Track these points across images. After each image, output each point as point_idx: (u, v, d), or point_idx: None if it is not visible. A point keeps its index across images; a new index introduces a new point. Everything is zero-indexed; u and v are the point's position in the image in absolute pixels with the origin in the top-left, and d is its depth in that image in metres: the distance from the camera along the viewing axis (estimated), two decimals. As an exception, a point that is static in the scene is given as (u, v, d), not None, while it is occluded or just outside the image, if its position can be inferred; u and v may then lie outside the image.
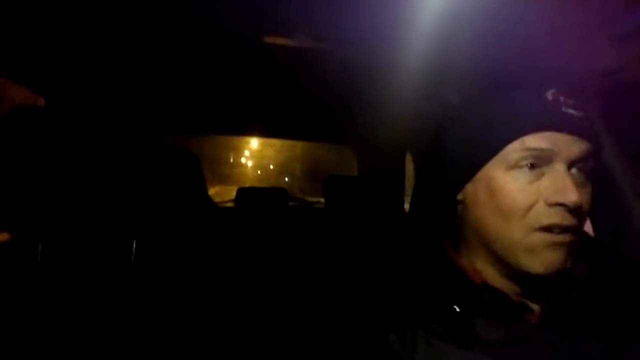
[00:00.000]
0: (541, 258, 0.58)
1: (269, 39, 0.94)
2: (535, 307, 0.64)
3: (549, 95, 0.60)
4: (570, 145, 0.59)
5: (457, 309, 0.61)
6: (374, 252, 1.61)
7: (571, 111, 0.60)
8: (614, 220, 0.88)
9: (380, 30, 0.90)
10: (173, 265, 1.31)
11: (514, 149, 0.60)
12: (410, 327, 0.62)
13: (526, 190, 0.59)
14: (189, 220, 1.37)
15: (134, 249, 1.32)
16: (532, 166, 0.59)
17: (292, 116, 1.95)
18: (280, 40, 0.94)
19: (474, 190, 0.64)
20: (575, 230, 0.59)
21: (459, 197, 0.67)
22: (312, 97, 1.58)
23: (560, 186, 0.57)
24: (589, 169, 0.61)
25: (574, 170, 0.60)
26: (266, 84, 1.42)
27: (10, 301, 1.12)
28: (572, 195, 0.56)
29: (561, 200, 0.57)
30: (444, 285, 0.65)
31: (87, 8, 0.87)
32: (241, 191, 2.24)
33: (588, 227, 0.75)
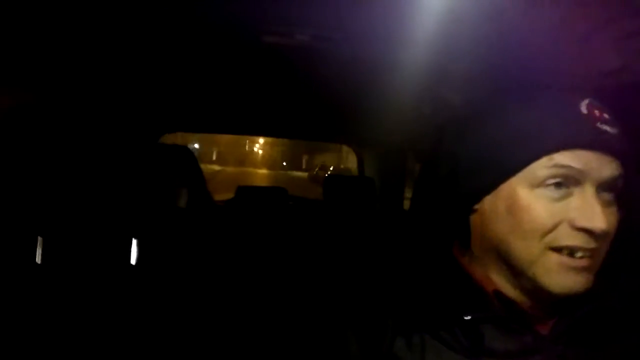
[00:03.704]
0: (559, 280, 0.55)
1: (269, 38, 0.94)
2: (547, 318, 0.61)
3: (583, 107, 0.56)
4: (602, 166, 0.55)
5: (467, 318, 0.58)
6: (376, 253, 1.60)
7: (606, 128, 0.55)
8: (624, 231, 0.85)
9: (382, 29, 0.90)
10: (173, 263, 1.31)
11: (541, 166, 0.56)
12: (418, 334, 0.60)
13: (551, 211, 0.55)
14: (189, 217, 1.37)
15: (134, 248, 1.32)
16: (559, 184, 0.55)
17: (293, 116, 1.95)
18: (280, 40, 0.94)
19: (493, 203, 0.60)
20: (598, 253, 0.56)
21: (475, 206, 0.63)
22: (312, 96, 1.57)
23: (588, 211, 0.54)
24: (618, 188, 0.58)
25: (602, 192, 0.56)
26: (266, 84, 1.42)
27: (10, 301, 1.12)
28: (599, 222, 0.53)
29: (588, 226, 0.53)
30: (454, 291, 0.63)
31: (88, 7, 0.87)
32: (241, 190, 2.24)
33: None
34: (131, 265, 1.29)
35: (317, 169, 21.90)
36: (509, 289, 0.61)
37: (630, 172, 0.62)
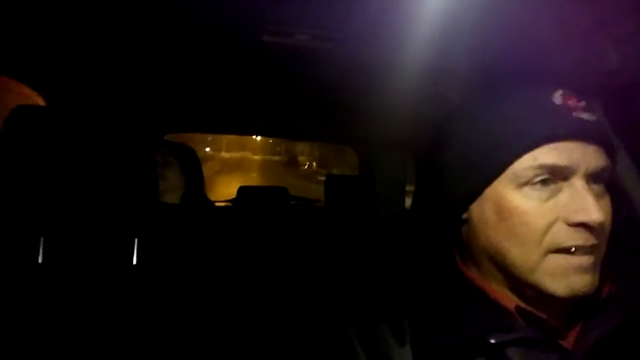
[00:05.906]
0: (566, 282, 0.52)
1: (268, 38, 0.94)
2: (568, 331, 0.58)
3: (557, 98, 0.54)
4: (587, 156, 0.52)
5: (493, 341, 0.54)
6: (377, 256, 1.60)
7: (584, 116, 0.53)
8: (623, 230, 0.83)
9: (381, 28, 0.90)
10: (175, 263, 1.31)
11: (525, 166, 0.53)
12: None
13: (542, 210, 0.52)
14: (190, 216, 1.37)
15: (135, 248, 1.32)
16: (546, 181, 0.53)
17: (292, 116, 1.95)
18: (280, 39, 0.94)
19: (480, 209, 0.57)
20: (598, 250, 0.53)
21: (464, 216, 0.60)
22: (312, 96, 1.57)
23: (581, 204, 0.51)
24: (607, 178, 0.55)
25: (592, 184, 0.53)
26: (266, 83, 1.42)
27: (10, 301, 1.12)
28: (595, 214, 0.50)
29: (584, 220, 0.50)
30: (472, 311, 0.58)
31: (88, 7, 0.87)
32: (242, 190, 2.24)
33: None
34: (133, 264, 1.29)
35: (285, 155, 33.88)
36: (513, 301, 0.58)
37: (618, 161, 0.60)
